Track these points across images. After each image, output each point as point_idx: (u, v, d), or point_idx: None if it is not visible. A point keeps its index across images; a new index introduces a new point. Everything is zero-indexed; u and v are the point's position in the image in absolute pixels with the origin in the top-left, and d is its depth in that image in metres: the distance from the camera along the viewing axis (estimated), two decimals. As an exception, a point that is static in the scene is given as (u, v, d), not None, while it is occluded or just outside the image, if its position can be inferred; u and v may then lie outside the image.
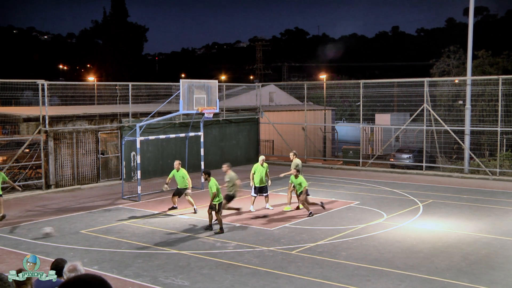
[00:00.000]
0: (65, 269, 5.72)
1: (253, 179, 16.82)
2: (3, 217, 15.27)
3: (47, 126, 20.16)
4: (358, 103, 28.80)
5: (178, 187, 16.67)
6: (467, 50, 25.53)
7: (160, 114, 21.22)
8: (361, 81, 27.68)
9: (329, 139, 35.36)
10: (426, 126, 25.50)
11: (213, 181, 14.17)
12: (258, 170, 16.83)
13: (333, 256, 11.78)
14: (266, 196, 16.95)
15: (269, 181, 17.25)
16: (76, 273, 5.40)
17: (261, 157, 17.41)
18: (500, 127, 23.45)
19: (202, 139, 21.06)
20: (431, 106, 25.41)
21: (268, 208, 16.85)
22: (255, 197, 16.79)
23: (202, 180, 15.01)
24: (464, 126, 24.80)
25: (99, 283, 2.93)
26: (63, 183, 20.81)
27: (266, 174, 16.98)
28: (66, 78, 70.19)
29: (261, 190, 16.85)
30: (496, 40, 61.13)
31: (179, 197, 16.80)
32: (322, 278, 10.36)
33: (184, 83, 18.17)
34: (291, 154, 17.66)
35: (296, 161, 17.20)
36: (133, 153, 21.92)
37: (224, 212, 15.06)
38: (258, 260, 11.53)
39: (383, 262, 11.39)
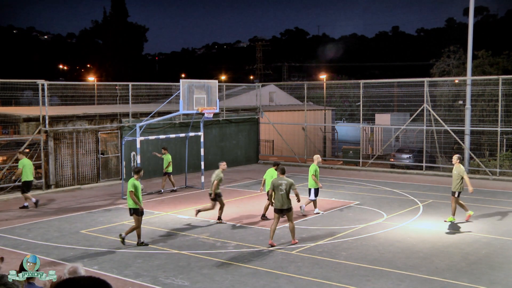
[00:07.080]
0: (65, 271, 5.71)
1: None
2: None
3: (47, 126, 20.16)
4: (358, 103, 28.79)
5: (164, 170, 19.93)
6: (467, 50, 25.51)
7: (160, 114, 21.23)
8: (361, 81, 27.66)
9: (329, 139, 35.38)
10: (426, 126, 25.49)
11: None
12: (310, 171, 16.04)
13: (333, 256, 11.78)
14: (311, 201, 16.07)
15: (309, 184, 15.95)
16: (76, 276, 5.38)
17: (315, 157, 16.55)
18: (500, 127, 23.45)
19: (202, 139, 21.05)
20: (431, 106, 25.41)
21: (317, 212, 16.07)
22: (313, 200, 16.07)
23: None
24: (464, 126, 24.79)
25: (100, 285, 2.76)
26: (63, 183, 20.82)
27: (313, 175, 15.88)
28: (66, 78, 70.26)
29: (309, 192, 16.02)
30: (496, 40, 61.11)
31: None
32: (322, 278, 10.36)
33: (184, 83, 18.17)
34: (455, 158, 14.92)
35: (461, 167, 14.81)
36: (133, 153, 21.92)
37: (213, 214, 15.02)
38: (258, 260, 11.53)
39: (383, 262, 11.38)
